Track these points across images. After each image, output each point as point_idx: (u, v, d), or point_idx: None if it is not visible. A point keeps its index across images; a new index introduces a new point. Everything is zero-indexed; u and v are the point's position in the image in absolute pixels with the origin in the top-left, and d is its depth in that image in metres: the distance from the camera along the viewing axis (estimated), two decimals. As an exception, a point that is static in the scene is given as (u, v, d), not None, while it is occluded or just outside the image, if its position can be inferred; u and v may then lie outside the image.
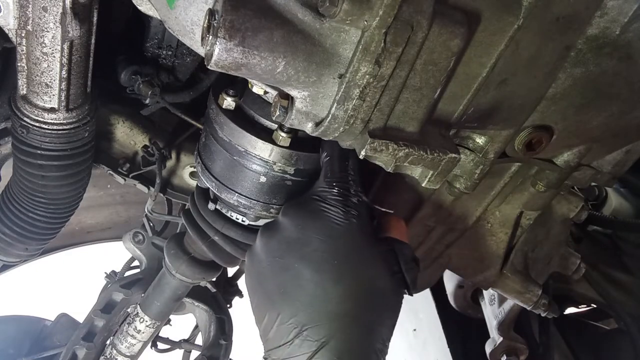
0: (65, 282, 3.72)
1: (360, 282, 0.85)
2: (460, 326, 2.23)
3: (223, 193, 1.04)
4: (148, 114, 1.37)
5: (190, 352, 1.73)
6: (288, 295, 0.84)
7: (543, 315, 1.46)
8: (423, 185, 0.81)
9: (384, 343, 0.85)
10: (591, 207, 1.92)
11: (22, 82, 1.06)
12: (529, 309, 1.45)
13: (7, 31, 1.00)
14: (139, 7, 0.94)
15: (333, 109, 0.71)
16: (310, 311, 0.82)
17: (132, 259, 1.66)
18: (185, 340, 1.73)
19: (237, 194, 1.02)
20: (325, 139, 0.77)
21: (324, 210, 0.87)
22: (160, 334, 1.60)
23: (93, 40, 1.06)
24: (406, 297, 0.92)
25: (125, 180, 1.45)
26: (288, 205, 0.94)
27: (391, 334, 0.88)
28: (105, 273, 1.63)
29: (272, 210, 1.04)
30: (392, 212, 1.00)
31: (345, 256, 0.85)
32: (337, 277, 0.84)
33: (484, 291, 1.99)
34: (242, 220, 1.12)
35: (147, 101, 1.28)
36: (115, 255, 1.78)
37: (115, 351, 1.46)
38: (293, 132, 0.92)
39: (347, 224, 0.86)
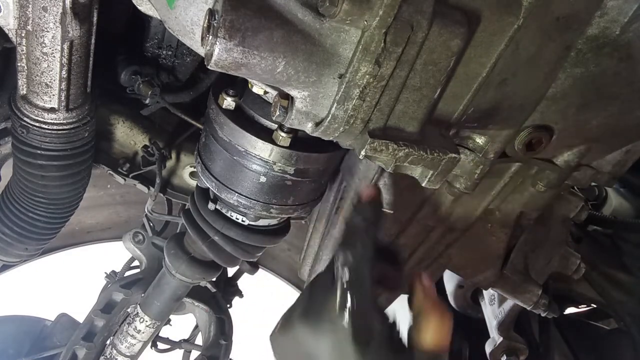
0: (65, 282, 3.73)
1: None
2: (461, 326, 2.23)
3: (223, 193, 1.04)
4: (148, 114, 1.37)
5: (190, 352, 1.73)
6: None
7: (543, 315, 1.46)
8: (423, 185, 0.81)
9: None
10: (591, 207, 1.92)
11: (22, 82, 1.06)
12: (529, 309, 1.45)
13: (7, 31, 1.00)
14: (139, 7, 0.95)
15: (333, 109, 0.71)
16: None
17: (132, 259, 1.66)
18: (185, 340, 1.73)
19: (237, 194, 1.02)
20: (326, 138, 0.77)
21: (338, 332, 0.80)
22: (160, 334, 1.61)
23: (93, 40, 1.06)
24: (406, 296, 0.91)
25: (125, 180, 1.45)
26: (305, 313, 0.86)
27: None
28: (105, 273, 1.63)
29: (272, 210, 1.04)
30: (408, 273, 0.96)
31: None
32: None
33: (484, 291, 1.99)
34: (242, 220, 1.12)
35: (147, 101, 1.28)
36: (115, 255, 1.78)
37: (115, 351, 1.46)
38: (293, 132, 0.92)
39: (362, 352, 0.78)
